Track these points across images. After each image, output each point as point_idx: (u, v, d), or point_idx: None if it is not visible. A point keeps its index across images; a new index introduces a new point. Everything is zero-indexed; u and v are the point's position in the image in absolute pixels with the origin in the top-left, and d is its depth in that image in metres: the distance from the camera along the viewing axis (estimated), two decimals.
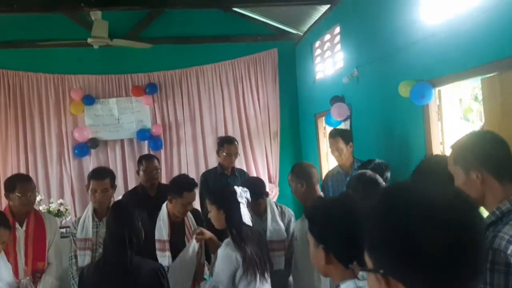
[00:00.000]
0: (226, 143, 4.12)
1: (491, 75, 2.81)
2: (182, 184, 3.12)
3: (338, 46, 5.11)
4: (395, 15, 3.73)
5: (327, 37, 5.46)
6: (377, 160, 2.86)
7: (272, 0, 5.32)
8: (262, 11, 6.26)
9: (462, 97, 4.28)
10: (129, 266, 2.17)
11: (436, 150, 3.38)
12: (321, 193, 3.08)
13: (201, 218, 3.40)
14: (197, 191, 3.19)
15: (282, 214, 3.25)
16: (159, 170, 3.94)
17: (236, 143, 4.18)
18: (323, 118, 5.74)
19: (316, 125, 5.90)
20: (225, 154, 4.07)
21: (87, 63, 6.18)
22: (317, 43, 5.83)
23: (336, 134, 3.76)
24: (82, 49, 5.88)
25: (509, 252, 1.38)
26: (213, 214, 2.64)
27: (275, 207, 3.22)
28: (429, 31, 3.31)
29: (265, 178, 6.41)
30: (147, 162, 3.86)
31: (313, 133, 5.98)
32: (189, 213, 3.27)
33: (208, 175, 4.29)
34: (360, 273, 1.35)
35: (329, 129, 5.74)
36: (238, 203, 2.60)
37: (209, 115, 6.44)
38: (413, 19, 3.47)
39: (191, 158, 6.38)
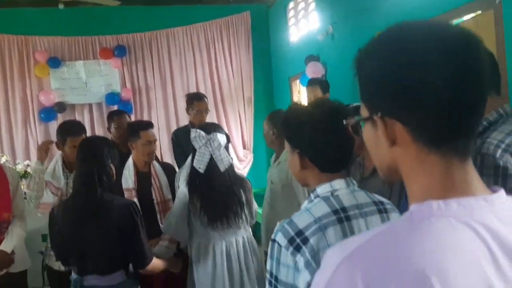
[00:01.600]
0: (195, 100, 4.01)
1: (469, 16, 2.81)
2: (137, 125, 3.18)
3: (313, 5, 5.04)
4: None
5: None
6: (354, 104, 2.82)
7: None
8: None
9: None
10: (99, 202, 2.09)
11: None
12: None
13: (174, 172, 3.33)
14: (154, 131, 3.13)
15: None
16: None
17: (206, 99, 4.08)
18: (298, 81, 5.70)
19: (291, 88, 5.85)
20: (195, 111, 3.96)
21: (52, 24, 5.89)
22: (291, 5, 5.74)
23: (314, 83, 3.72)
24: (47, 9, 5.62)
25: (497, 155, 1.38)
26: None
27: None
28: None
29: (239, 145, 6.35)
30: (118, 118, 3.73)
31: (288, 97, 5.93)
32: (156, 164, 3.21)
33: (179, 133, 4.18)
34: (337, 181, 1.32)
35: (304, 91, 5.72)
36: (194, 149, 2.53)
37: (181, 79, 6.28)
38: None
39: (162, 123, 6.25)
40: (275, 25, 6.37)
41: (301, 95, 5.84)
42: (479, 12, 2.67)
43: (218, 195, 2.48)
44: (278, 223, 1.31)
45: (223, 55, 6.38)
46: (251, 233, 2.68)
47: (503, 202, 0.67)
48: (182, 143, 4.02)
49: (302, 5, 5.41)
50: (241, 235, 2.58)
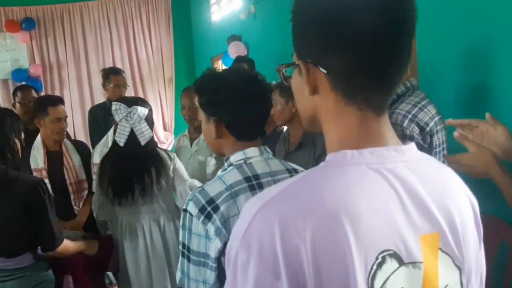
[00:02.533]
0: (112, 74, 3.81)
1: None
2: (45, 100, 3.04)
3: None
4: None
5: None
6: (274, 82, 2.84)
7: None
8: None
9: None
10: (2, 178, 1.90)
11: None
12: None
13: (88, 152, 3.15)
14: (64, 107, 2.96)
15: None
16: None
17: (123, 73, 3.90)
18: (220, 61, 5.63)
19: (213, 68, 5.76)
20: (112, 85, 3.76)
21: None
22: None
23: (242, 60, 3.68)
24: None
25: (404, 125, 1.44)
26: None
27: None
28: None
29: (159, 126, 6.17)
30: (23, 92, 3.46)
31: None
32: (68, 143, 3.04)
33: (96, 110, 3.97)
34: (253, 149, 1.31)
35: None
36: (113, 124, 2.48)
37: (96, 55, 5.95)
38: None
39: (76, 101, 5.90)
40: (196, 4, 6.23)
41: None
42: None
43: (127, 170, 2.40)
44: (190, 192, 1.27)
45: (142, 32, 6.14)
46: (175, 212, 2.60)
47: (413, 154, 0.70)
48: (98, 120, 3.82)
49: None
50: (161, 214, 2.51)
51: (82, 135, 5.45)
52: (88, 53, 5.91)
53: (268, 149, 1.35)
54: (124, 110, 2.39)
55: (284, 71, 0.80)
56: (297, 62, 0.73)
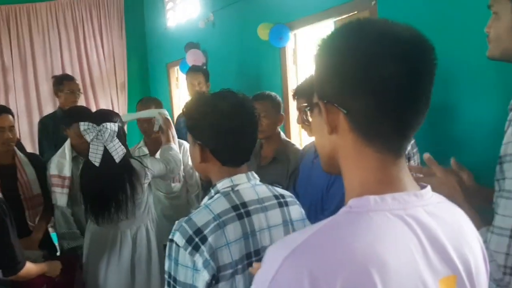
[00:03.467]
0: (65, 80, 3.68)
1: (345, 16, 3.00)
2: None
3: None
4: None
5: None
6: (267, 92, 2.84)
7: None
8: None
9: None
10: None
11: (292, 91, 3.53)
12: None
13: (42, 164, 3.00)
14: (10, 117, 2.78)
15: None
16: None
17: (76, 81, 3.78)
18: (176, 68, 5.55)
19: (169, 75, 5.68)
20: (66, 92, 3.62)
21: None
22: None
23: (198, 70, 3.64)
24: None
25: None
26: None
27: None
28: None
29: None
30: None
31: (166, 84, 5.75)
32: (22, 156, 2.88)
33: (47, 121, 3.79)
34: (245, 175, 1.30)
35: (182, 78, 5.61)
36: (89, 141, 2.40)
37: (44, 60, 5.68)
38: None
39: (22, 108, 5.59)
40: (150, 9, 6.10)
41: (179, 82, 5.71)
42: (356, 12, 2.87)
43: (105, 188, 2.36)
44: (176, 222, 1.25)
45: (93, 36, 5.93)
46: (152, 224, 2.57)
47: (430, 197, 0.73)
48: (50, 131, 3.66)
49: None
50: (138, 229, 2.46)
51: (28, 145, 5.17)
52: (36, 57, 5.63)
53: (255, 175, 1.34)
54: (93, 129, 2.34)
55: (306, 110, 0.82)
56: (317, 102, 0.75)
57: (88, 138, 2.34)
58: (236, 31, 4.12)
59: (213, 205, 1.24)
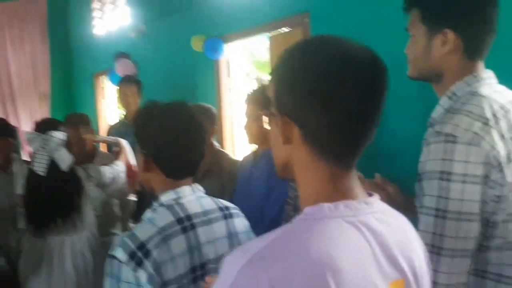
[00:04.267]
0: None
1: (278, 33, 3.10)
2: None
3: (122, 1, 4.83)
4: None
5: None
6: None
7: None
8: None
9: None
10: None
11: (226, 101, 3.58)
12: None
13: None
14: None
15: None
16: None
17: None
18: (103, 77, 5.38)
19: (95, 85, 5.48)
20: None
21: None
22: None
23: (131, 80, 3.57)
24: None
25: None
26: None
27: None
28: None
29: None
30: None
31: (91, 94, 5.54)
32: None
33: None
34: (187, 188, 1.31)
35: (109, 88, 5.44)
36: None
37: None
38: None
39: None
40: (76, 16, 5.86)
41: (105, 92, 5.53)
42: (288, 28, 2.98)
43: (49, 199, 2.27)
44: (117, 237, 1.22)
45: (12, 43, 5.57)
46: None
47: (378, 205, 0.79)
48: None
49: None
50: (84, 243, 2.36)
51: None
52: None
53: (200, 187, 1.35)
54: (38, 138, 2.24)
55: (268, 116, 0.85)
56: (274, 113, 0.79)
57: (32, 147, 2.25)
58: (169, 43, 4.10)
59: (156, 218, 1.21)
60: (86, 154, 2.86)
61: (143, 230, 1.18)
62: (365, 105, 0.73)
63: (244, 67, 3.98)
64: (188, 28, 3.77)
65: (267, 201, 1.74)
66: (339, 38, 0.77)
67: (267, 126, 1.87)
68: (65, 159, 2.29)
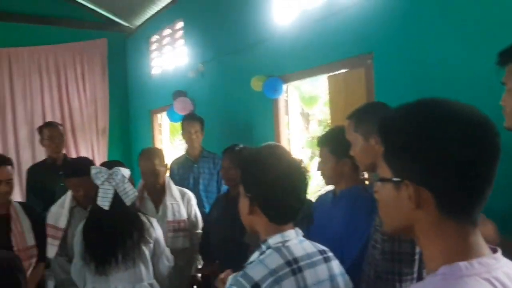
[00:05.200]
0: (45, 127, 3.71)
1: (337, 72, 3.16)
2: None
3: (181, 41, 5.06)
4: (245, 13, 3.89)
5: (167, 31, 5.36)
6: (241, 145, 2.91)
7: None
8: None
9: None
10: None
11: (284, 140, 3.63)
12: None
13: (38, 214, 2.92)
14: (8, 169, 2.74)
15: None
16: None
17: (60, 127, 3.76)
18: (159, 114, 5.60)
19: (152, 122, 5.70)
20: (46, 138, 3.62)
21: None
22: (154, 37, 5.66)
23: (194, 118, 3.69)
24: None
25: None
26: None
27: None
28: (279, 30, 3.55)
29: None
30: None
31: (148, 130, 5.76)
32: (17, 206, 2.82)
33: (35, 170, 3.74)
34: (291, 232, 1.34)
35: (165, 125, 5.65)
36: (96, 185, 2.38)
37: (23, 104, 5.59)
38: (264, 18, 3.68)
39: None
40: (133, 56, 6.18)
41: (162, 129, 5.74)
42: (348, 69, 3.04)
43: (111, 234, 2.33)
44: (230, 277, 1.26)
45: (76, 81, 5.92)
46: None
47: (503, 259, 0.81)
48: (37, 180, 3.60)
49: (168, 39, 5.38)
50: (136, 283, 2.38)
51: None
52: (15, 101, 5.55)
53: (300, 231, 1.39)
54: (105, 172, 2.34)
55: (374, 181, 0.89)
56: (395, 179, 0.82)
57: (98, 181, 2.33)
58: (226, 81, 4.24)
59: (267, 260, 1.26)
60: (159, 186, 2.96)
61: (255, 271, 1.23)
62: (490, 165, 0.78)
63: (297, 104, 4.07)
64: (246, 67, 3.90)
65: (348, 243, 1.75)
66: (446, 100, 0.81)
67: (341, 167, 1.90)
68: (129, 194, 2.37)
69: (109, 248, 2.33)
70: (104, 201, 2.33)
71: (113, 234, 2.34)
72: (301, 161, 1.39)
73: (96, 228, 2.37)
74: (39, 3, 5.68)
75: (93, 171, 2.36)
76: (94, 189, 2.39)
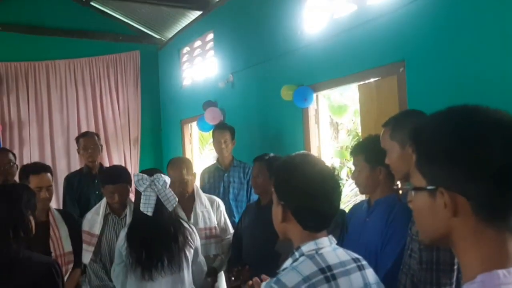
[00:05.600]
0: (81, 137, 3.80)
1: (368, 81, 3.15)
2: (27, 168, 2.93)
3: (211, 53, 5.14)
4: (275, 23, 3.93)
5: (198, 43, 5.46)
6: (271, 154, 2.93)
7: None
8: (124, 10, 5.97)
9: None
10: (13, 261, 1.79)
11: (314, 150, 3.63)
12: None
13: (75, 221, 3.00)
14: (48, 176, 2.86)
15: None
16: (13, 164, 3.45)
17: (96, 137, 3.85)
18: (190, 124, 5.68)
19: (182, 131, 5.79)
20: (82, 148, 3.71)
21: None
22: (185, 49, 5.77)
23: (224, 127, 3.74)
24: None
25: None
26: None
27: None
28: (309, 39, 3.56)
29: None
30: None
31: (179, 139, 5.85)
32: (55, 213, 2.91)
33: (72, 178, 3.84)
34: (324, 239, 1.34)
35: (195, 134, 5.73)
36: (138, 192, 2.43)
37: (60, 115, 5.79)
38: (294, 27, 3.71)
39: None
40: (165, 67, 6.32)
41: (192, 138, 5.82)
42: (380, 78, 3.02)
43: (155, 239, 2.38)
44: (263, 283, 1.27)
45: (109, 93, 6.09)
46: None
47: None
48: (74, 188, 3.70)
49: (198, 51, 5.48)
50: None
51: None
52: (52, 112, 5.74)
53: (334, 238, 1.39)
54: (147, 179, 2.39)
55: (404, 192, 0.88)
56: (430, 187, 0.81)
57: (141, 188, 2.38)
58: (256, 92, 4.27)
59: (300, 267, 1.26)
60: (187, 194, 3.00)
61: (289, 277, 1.23)
62: None
63: (327, 114, 4.06)
64: (275, 77, 3.93)
65: (382, 251, 1.73)
66: (478, 106, 0.81)
67: (376, 176, 1.89)
68: (171, 199, 2.42)
69: (155, 253, 2.37)
70: (147, 207, 2.38)
71: (158, 238, 2.39)
72: (334, 168, 1.39)
73: (141, 233, 2.41)
74: (76, 18, 5.89)
75: (135, 178, 2.42)
76: (127, 196, 2.45)
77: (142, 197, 2.38)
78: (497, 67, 2.27)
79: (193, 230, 2.53)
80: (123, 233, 2.49)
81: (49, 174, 2.84)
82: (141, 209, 2.39)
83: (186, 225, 2.51)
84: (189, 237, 2.47)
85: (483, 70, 2.33)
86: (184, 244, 2.43)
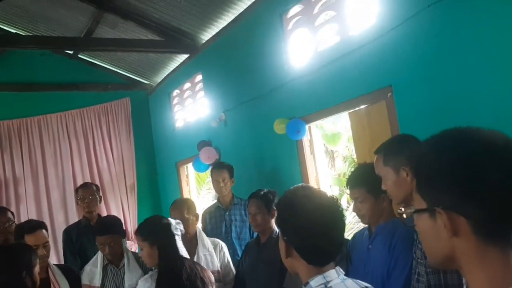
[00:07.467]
0: (80, 188, 3.79)
1: (358, 108, 3.19)
2: (22, 228, 2.88)
3: (201, 93, 5.21)
4: (261, 60, 4.00)
5: (187, 85, 5.53)
6: (265, 189, 2.93)
7: (127, 46, 5.17)
8: (112, 60, 6.07)
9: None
10: None
11: (312, 180, 3.62)
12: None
13: (75, 275, 2.95)
14: (44, 232, 2.80)
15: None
16: (12, 223, 3.41)
17: (94, 187, 3.84)
18: (186, 165, 5.68)
19: (178, 173, 5.78)
20: (79, 199, 3.70)
21: None
22: (175, 92, 5.85)
23: (222, 166, 3.73)
24: None
25: None
26: (145, 251, 2.36)
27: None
28: (297, 72, 3.63)
29: None
30: None
31: (176, 182, 5.83)
32: (55, 268, 2.84)
33: (71, 231, 3.80)
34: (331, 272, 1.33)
35: (192, 176, 5.72)
36: (174, 235, 2.39)
37: (55, 169, 5.78)
38: (280, 62, 3.78)
39: (32, 217, 5.55)
40: (156, 111, 6.37)
41: (189, 180, 5.80)
42: (369, 104, 3.06)
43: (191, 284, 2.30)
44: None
45: (102, 142, 6.11)
46: None
47: None
48: (73, 240, 3.66)
49: (188, 92, 5.55)
50: None
51: None
52: (47, 166, 5.73)
53: (341, 269, 1.37)
54: (179, 225, 2.43)
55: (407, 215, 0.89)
56: (428, 208, 0.82)
57: (178, 233, 2.39)
58: (249, 128, 4.30)
59: None
60: (189, 236, 2.97)
61: None
62: None
63: (321, 143, 4.09)
64: (267, 112, 3.97)
65: (389, 278, 1.71)
66: (471, 128, 0.82)
67: (380, 204, 1.89)
68: (182, 248, 2.43)
69: None
70: (184, 252, 2.39)
71: (191, 284, 2.31)
72: (336, 198, 1.39)
73: (174, 281, 2.30)
74: (66, 71, 5.98)
75: (173, 222, 2.43)
76: (121, 247, 2.41)
77: (178, 243, 2.37)
78: (480, 86, 2.31)
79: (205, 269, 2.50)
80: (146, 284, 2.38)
81: (44, 231, 2.81)
82: (182, 253, 2.37)
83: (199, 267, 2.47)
84: (209, 279, 2.42)
85: (467, 89, 2.37)
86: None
